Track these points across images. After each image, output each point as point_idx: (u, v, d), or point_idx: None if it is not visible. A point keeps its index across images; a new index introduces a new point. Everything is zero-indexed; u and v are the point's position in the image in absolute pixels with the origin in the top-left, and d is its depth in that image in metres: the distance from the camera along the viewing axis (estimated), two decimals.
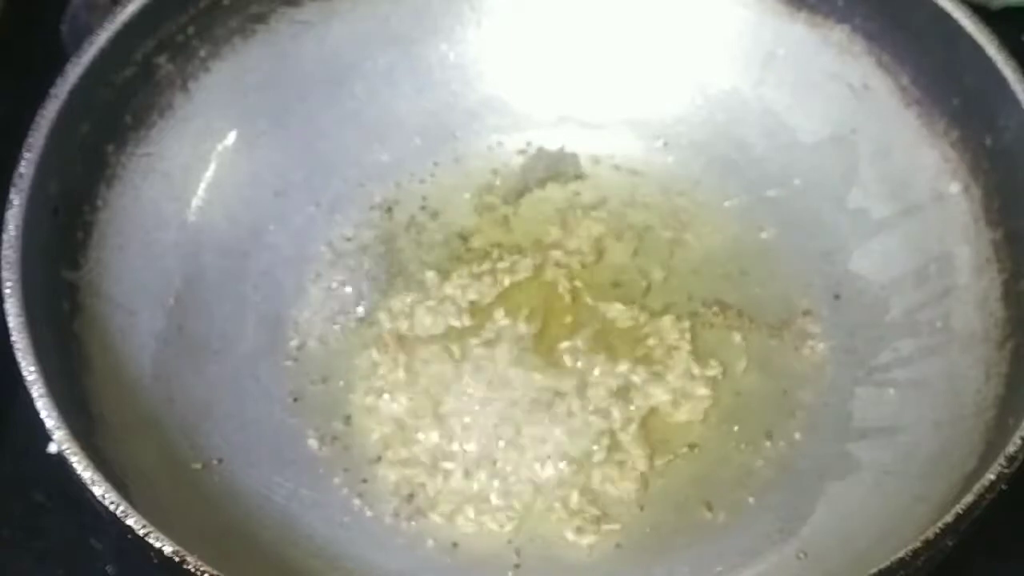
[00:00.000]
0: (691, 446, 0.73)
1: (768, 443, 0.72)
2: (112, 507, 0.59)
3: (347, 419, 0.74)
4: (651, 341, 0.76)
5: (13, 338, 0.63)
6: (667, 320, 0.76)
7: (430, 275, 0.79)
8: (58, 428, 0.61)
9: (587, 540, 0.69)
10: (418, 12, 0.83)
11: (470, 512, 0.70)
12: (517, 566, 0.69)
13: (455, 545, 0.69)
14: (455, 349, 0.75)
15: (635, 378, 0.74)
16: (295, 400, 0.74)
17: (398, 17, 0.83)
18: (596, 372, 0.74)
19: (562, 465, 0.71)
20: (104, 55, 0.72)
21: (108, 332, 0.71)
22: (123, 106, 0.75)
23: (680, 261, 0.79)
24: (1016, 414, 0.62)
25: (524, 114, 0.84)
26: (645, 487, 0.71)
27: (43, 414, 0.61)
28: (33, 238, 0.67)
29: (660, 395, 0.74)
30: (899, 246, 0.77)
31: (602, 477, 0.71)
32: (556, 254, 0.79)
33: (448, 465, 0.72)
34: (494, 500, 0.71)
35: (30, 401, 0.62)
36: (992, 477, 0.59)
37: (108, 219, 0.74)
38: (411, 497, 0.71)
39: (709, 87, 0.84)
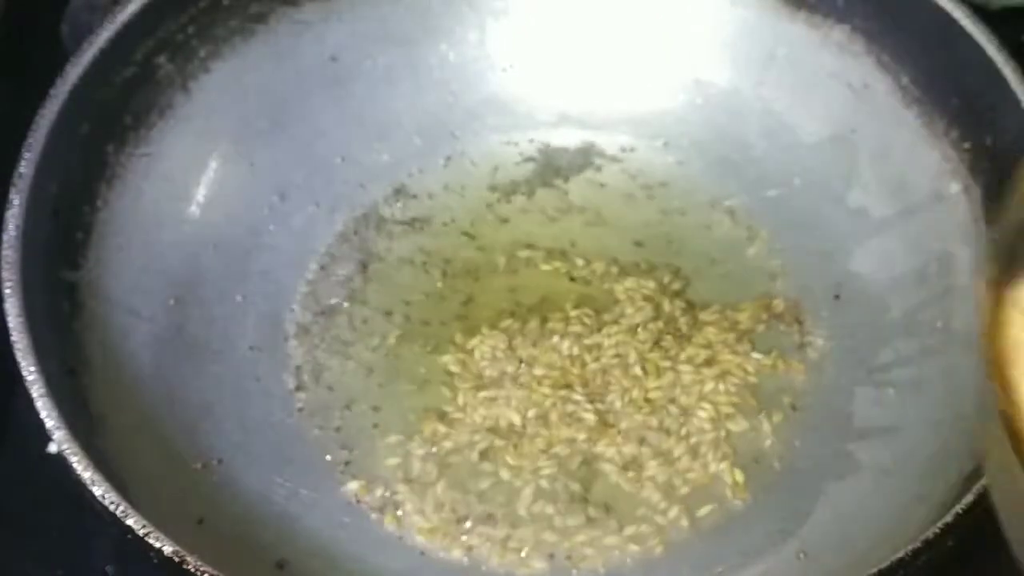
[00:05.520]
0: None
1: (768, 443, 0.72)
2: (112, 507, 0.59)
3: (347, 419, 0.74)
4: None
5: (13, 338, 0.63)
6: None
7: (431, 275, 0.79)
8: (58, 428, 0.61)
9: (590, 544, 0.69)
10: (418, 12, 0.83)
11: (475, 514, 0.70)
12: (520, 562, 0.69)
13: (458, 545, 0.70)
14: (457, 346, 0.76)
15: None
16: (295, 400, 0.74)
17: (398, 17, 0.83)
18: (594, 367, 0.74)
19: (566, 466, 0.71)
20: (104, 55, 0.72)
21: (108, 332, 0.71)
22: (123, 106, 0.75)
23: (679, 261, 0.79)
24: None
25: (524, 114, 0.84)
26: (644, 488, 0.71)
27: (43, 414, 0.61)
28: (33, 238, 0.67)
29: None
30: (899, 246, 0.77)
31: (605, 479, 0.71)
32: (555, 253, 0.79)
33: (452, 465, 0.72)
34: (499, 499, 0.70)
35: (30, 401, 0.62)
36: None
37: (108, 219, 0.74)
38: (413, 497, 0.71)
39: (709, 87, 0.84)
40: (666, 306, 0.76)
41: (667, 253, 0.80)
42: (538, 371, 0.74)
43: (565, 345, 0.74)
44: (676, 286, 0.78)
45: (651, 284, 0.77)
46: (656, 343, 0.75)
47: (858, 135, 0.80)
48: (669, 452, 0.72)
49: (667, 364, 0.74)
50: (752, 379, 0.74)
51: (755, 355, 0.75)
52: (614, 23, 0.84)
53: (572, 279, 0.78)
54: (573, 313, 0.76)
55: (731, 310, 0.76)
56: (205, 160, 0.79)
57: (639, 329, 0.75)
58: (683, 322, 0.76)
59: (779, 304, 0.77)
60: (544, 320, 0.76)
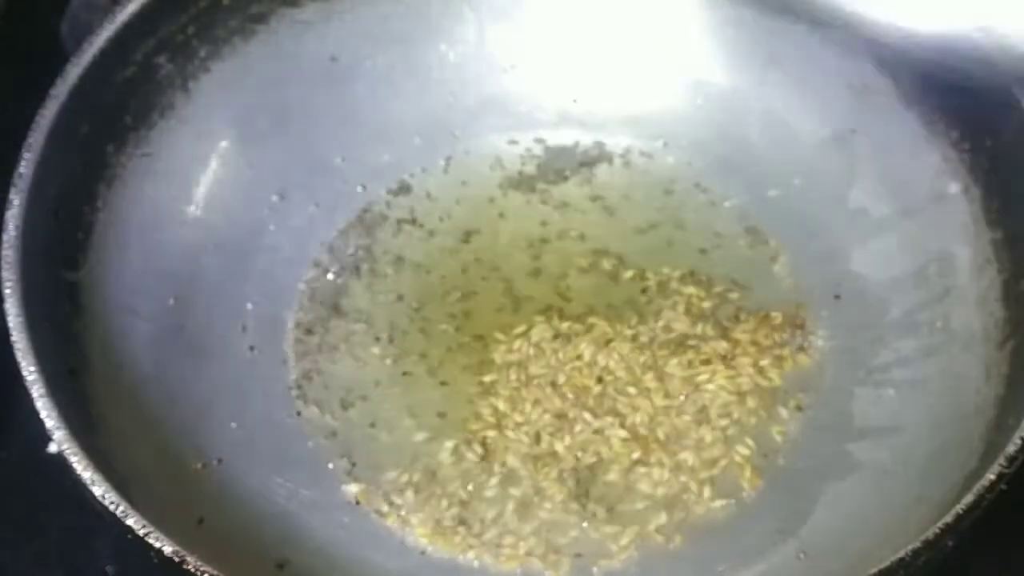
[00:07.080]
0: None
1: (775, 440, 0.72)
2: (112, 507, 0.59)
3: (348, 419, 0.74)
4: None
5: (13, 338, 0.63)
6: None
7: (431, 274, 0.79)
8: (58, 428, 0.61)
9: (592, 544, 0.69)
10: (418, 12, 0.83)
11: (475, 514, 0.70)
12: (523, 563, 0.69)
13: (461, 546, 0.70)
14: (460, 348, 0.76)
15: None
16: (295, 400, 0.74)
17: (398, 17, 0.83)
18: (605, 376, 0.74)
19: (571, 466, 0.71)
20: (104, 55, 0.72)
21: (108, 332, 0.71)
22: (123, 106, 0.75)
23: (680, 261, 0.79)
24: (1016, 414, 0.62)
25: (524, 114, 0.85)
26: (647, 489, 0.71)
27: (43, 414, 0.61)
28: (33, 238, 0.67)
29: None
30: (899, 246, 0.77)
31: (611, 478, 0.71)
32: (555, 254, 0.79)
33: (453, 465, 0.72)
34: (501, 500, 0.71)
35: (30, 401, 0.62)
36: (992, 477, 0.59)
37: (108, 219, 0.74)
38: (413, 497, 0.71)
39: (709, 87, 0.84)
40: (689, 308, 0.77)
41: (668, 253, 0.80)
42: (562, 377, 0.74)
43: (587, 352, 0.75)
44: (684, 289, 0.78)
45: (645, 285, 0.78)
46: (660, 348, 0.75)
47: (858, 135, 0.80)
48: (683, 449, 0.72)
49: (675, 368, 0.74)
50: (756, 379, 0.74)
51: (759, 356, 0.75)
52: (614, 23, 0.84)
53: (571, 279, 0.78)
54: (576, 319, 0.77)
55: (743, 315, 0.77)
56: (205, 160, 0.79)
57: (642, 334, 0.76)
58: (702, 329, 0.76)
59: (778, 317, 0.76)
60: (549, 324, 0.76)
